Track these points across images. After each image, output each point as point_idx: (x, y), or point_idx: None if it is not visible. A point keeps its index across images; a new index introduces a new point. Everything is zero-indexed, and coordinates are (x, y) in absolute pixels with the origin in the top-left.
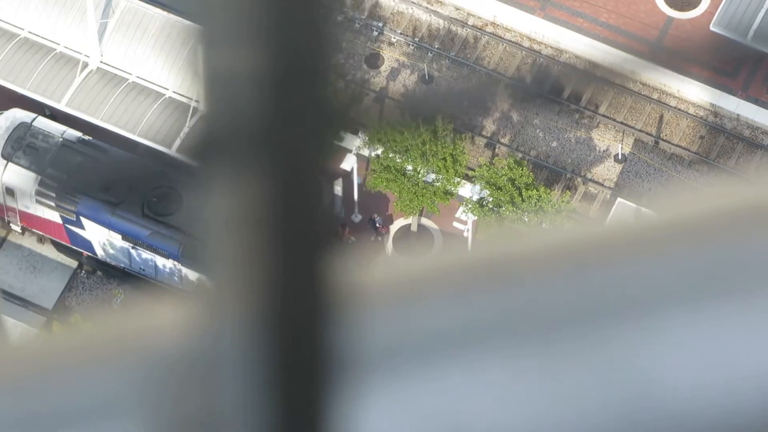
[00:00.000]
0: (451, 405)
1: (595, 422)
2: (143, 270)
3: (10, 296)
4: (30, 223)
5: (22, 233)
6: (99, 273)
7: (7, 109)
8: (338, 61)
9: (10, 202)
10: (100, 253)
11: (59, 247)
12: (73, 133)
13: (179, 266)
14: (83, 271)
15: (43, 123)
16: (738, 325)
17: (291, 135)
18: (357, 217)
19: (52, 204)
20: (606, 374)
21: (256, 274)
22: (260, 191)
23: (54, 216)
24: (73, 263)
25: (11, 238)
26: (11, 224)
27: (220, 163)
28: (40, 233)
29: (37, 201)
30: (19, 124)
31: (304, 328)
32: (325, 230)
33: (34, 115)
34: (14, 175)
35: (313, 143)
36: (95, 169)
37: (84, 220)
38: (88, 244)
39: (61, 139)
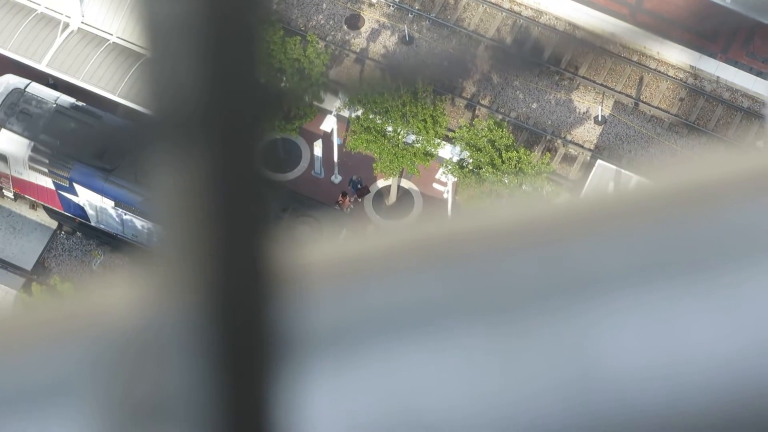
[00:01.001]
0: (399, 386)
1: (544, 403)
2: (136, 237)
3: None
4: (23, 189)
5: (15, 200)
6: (78, 234)
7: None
8: (270, 44)
9: (2, 168)
10: (93, 219)
11: (52, 213)
12: (67, 99)
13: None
14: (63, 232)
15: (37, 89)
16: (690, 307)
17: (228, 117)
18: (337, 178)
19: (45, 170)
20: (556, 354)
21: (198, 256)
22: (199, 173)
23: (47, 182)
24: (53, 224)
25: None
26: (4, 190)
27: (158, 144)
28: (33, 199)
29: (30, 167)
30: (12, 90)
31: (247, 310)
32: (266, 211)
33: (27, 81)
34: (7, 141)
35: (251, 125)
36: (89, 136)
37: (77, 187)
38: (80, 211)
39: (54, 105)
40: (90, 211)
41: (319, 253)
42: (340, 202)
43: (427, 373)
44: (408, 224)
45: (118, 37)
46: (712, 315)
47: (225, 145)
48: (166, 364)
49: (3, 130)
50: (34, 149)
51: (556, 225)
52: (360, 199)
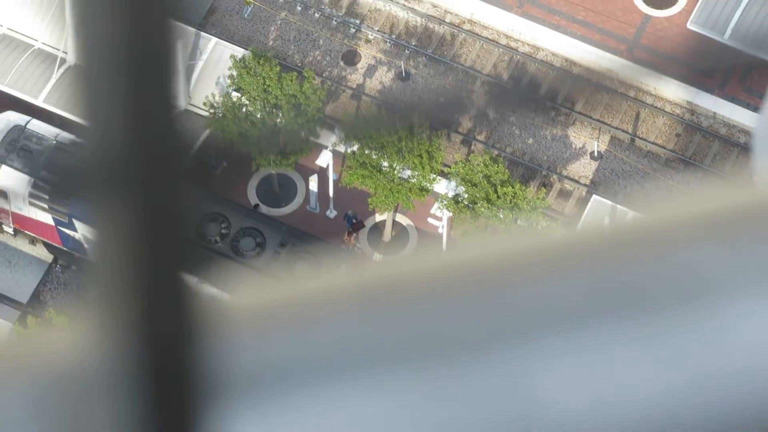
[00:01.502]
0: (328, 429)
1: None
2: None
3: None
4: (23, 225)
5: (14, 235)
6: (74, 267)
7: (1, 112)
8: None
9: (2, 204)
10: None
11: (51, 248)
12: (67, 136)
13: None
14: (58, 266)
15: (37, 126)
16: (627, 349)
17: (149, 162)
18: (332, 213)
19: (45, 206)
20: (494, 396)
21: (126, 297)
22: (122, 218)
23: (47, 218)
24: (49, 257)
25: None
26: (4, 226)
27: (87, 190)
28: (33, 235)
29: (30, 203)
30: (13, 127)
31: (173, 353)
32: (192, 255)
33: (28, 118)
34: (7, 177)
35: (174, 173)
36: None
37: (77, 222)
38: (80, 247)
39: (54, 142)
40: (88, 246)
41: (250, 296)
42: (347, 239)
43: (357, 416)
44: (347, 269)
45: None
46: (648, 357)
47: (147, 191)
48: (97, 405)
49: (3, 166)
50: (34, 185)
51: (496, 269)
52: (356, 234)
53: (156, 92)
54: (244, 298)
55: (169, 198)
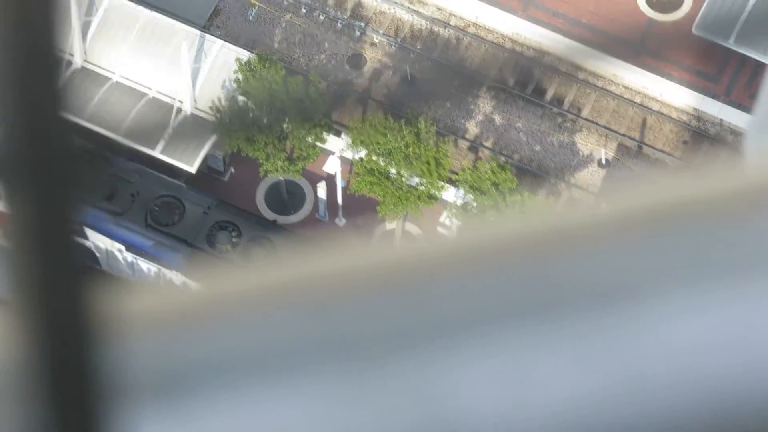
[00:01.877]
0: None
1: None
2: (147, 281)
3: None
4: None
5: None
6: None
7: None
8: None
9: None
10: (102, 263)
11: None
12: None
13: (183, 277)
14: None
15: None
16: (546, 351)
17: (35, 162)
18: (341, 221)
19: None
20: (409, 399)
21: (22, 303)
22: (16, 218)
23: None
24: None
25: None
26: None
27: None
28: None
29: None
30: None
31: (72, 358)
32: (81, 257)
33: None
34: None
35: (60, 170)
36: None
37: (87, 231)
38: (90, 254)
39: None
40: (99, 255)
41: (157, 297)
42: None
43: (269, 419)
44: (276, 264)
45: (122, 76)
46: (567, 359)
47: (35, 192)
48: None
49: None
50: None
51: (411, 268)
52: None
53: (40, 75)
54: (150, 296)
55: (56, 189)
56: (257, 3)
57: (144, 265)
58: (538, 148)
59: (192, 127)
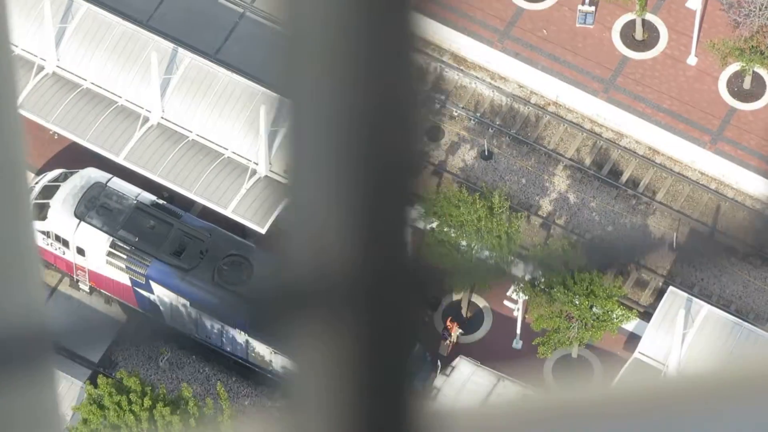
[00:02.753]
0: None
1: None
2: (209, 338)
3: (57, 348)
4: (99, 283)
5: (90, 293)
6: (148, 329)
7: (82, 168)
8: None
9: (80, 261)
10: (166, 317)
11: (125, 308)
12: (148, 196)
13: (246, 337)
14: (132, 327)
15: (118, 184)
16: None
17: (381, 290)
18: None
19: (123, 266)
20: None
21: (344, 424)
22: (347, 342)
23: (123, 278)
24: (122, 317)
25: (62, 288)
26: (80, 283)
27: (307, 310)
28: (108, 294)
29: (108, 262)
30: (93, 184)
31: None
32: (411, 386)
33: (109, 175)
34: (86, 234)
35: (404, 298)
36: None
37: (153, 284)
38: (155, 308)
39: (135, 202)
40: (164, 309)
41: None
42: (448, 327)
43: None
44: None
45: (198, 135)
46: None
47: (374, 317)
48: None
49: (82, 223)
50: (112, 244)
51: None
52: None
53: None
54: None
55: (395, 320)
56: None
57: (208, 322)
58: (610, 228)
59: (265, 189)
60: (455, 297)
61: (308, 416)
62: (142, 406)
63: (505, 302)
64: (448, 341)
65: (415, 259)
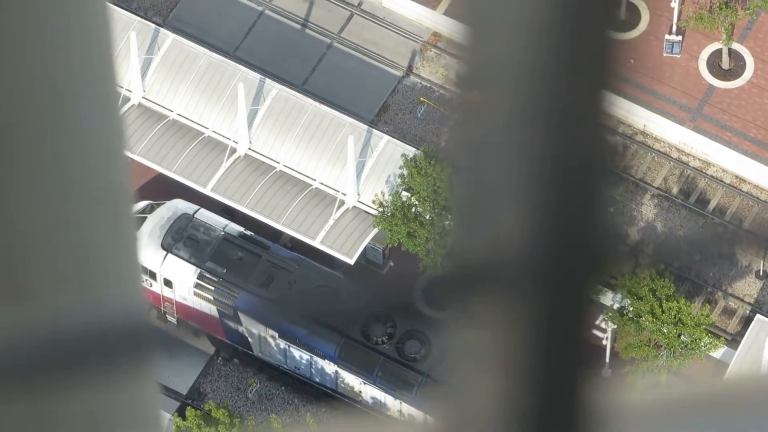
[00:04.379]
0: None
1: None
2: (298, 369)
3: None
4: (186, 315)
5: (178, 325)
6: (236, 361)
7: (169, 199)
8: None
9: (167, 293)
10: (255, 349)
11: (214, 341)
12: (235, 228)
13: (336, 367)
14: (220, 358)
15: (205, 215)
16: None
17: (559, 272)
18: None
19: (210, 297)
20: None
21: (511, 411)
22: (521, 327)
23: (211, 309)
24: (211, 349)
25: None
26: (167, 315)
27: (479, 293)
28: (196, 326)
29: (195, 294)
30: (180, 216)
31: None
32: (586, 371)
33: (196, 207)
34: (173, 266)
35: (583, 283)
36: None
37: (241, 315)
38: (244, 340)
39: (222, 233)
40: (252, 341)
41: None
42: None
43: None
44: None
45: (285, 166)
46: None
47: (553, 299)
48: None
49: (170, 255)
50: (200, 276)
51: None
52: None
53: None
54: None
55: (574, 302)
56: (426, 101)
57: (296, 353)
58: (697, 256)
59: (353, 220)
60: None
61: (469, 409)
62: None
63: (594, 331)
64: None
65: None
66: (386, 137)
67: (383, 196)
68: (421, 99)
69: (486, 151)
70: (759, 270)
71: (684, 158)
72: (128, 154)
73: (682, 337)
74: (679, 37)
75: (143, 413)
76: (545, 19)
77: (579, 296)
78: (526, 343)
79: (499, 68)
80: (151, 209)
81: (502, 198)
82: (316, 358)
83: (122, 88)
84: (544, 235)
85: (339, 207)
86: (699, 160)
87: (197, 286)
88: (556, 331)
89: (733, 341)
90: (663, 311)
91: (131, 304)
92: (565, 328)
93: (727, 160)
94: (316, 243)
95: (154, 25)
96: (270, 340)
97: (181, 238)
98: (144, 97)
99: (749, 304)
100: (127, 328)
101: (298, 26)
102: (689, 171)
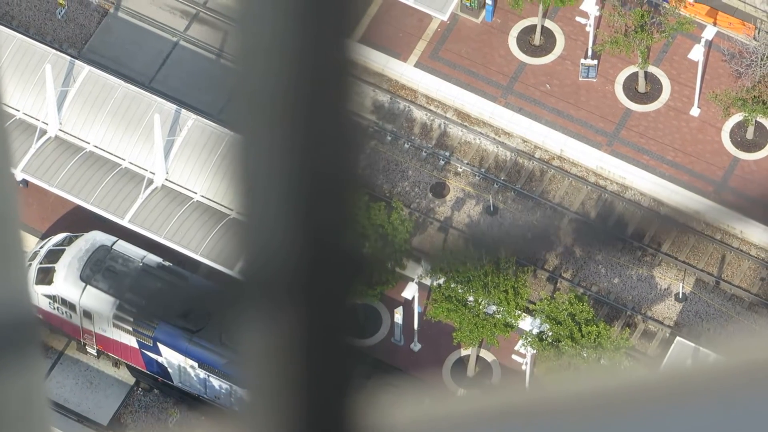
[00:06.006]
0: None
1: None
2: (218, 398)
3: (65, 410)
4: (106, 346)
5: (98, 357)
6: (156, 391)
7: (87, 231)
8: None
9: (87, 325)
10: (175, 379)
11: (133, 370)
12: (153, 259)
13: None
14: (140, 389)
15: (124, 247)
16: None
17: (320, 277)
18: (416, 346)
19: (130, 329)
20: None
21: (285, 408)
22: (290, 328)
23: (131, 340)
24: (130, 380)
25: (69, 352)
26: (87, 347)
27: (254, 300)
28: (116, 357)
29: (115, 325)
30: (98, 247)
31: None
32: (352, 367)
33: (114, 238)
34: (92, 298)
35: (342, 286)
36: (175, 296)
37: (161, 346)
38: (164, 370)
39: (140, 264)
40: (172, 371)
41: (403, 416)
42: None
43: None
44: (487, 390)
45: (203, 196)
46: None
47: (311, 309)
48: None
49: (88, 287)
50: (119, 307)
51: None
52: None
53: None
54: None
55: (334, 323)
56: None
57: (216, 382)
58: (616, 280)
59: None
60: (464, 352)
61: (258, 410)
62: None
63: (514, 356)
64: None
65: (351, 248)
66: None
67: None
68: None
69: (252, 171)
70: (678, 293)
71: (601, 182)
72: (13, 169)
73: (602, 361)
74: (595, 61)
75: (30, 407)
76: (288, 45)
77: (337, 302)
78: (292, 347)
79: (255, 89)
80: (69, 241)
81: (267, 215)
82: (236, 387)
83: (38, 120)
84: (301, 247)
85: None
86: (616, 183)
87: (116, 317)
88: (318, 335)
89: (654, 364)
90: (582, 335)
91: (17, 303)
92: (326, 331)
93: (644, 184)
94: (235, 273)
95: (69, 57)
96: (190, 370)
97: (100, 270)
98: (61, 129)
99: (669, 326)
100: (12, 326)
101: (213, 56)
102: (607, 195)
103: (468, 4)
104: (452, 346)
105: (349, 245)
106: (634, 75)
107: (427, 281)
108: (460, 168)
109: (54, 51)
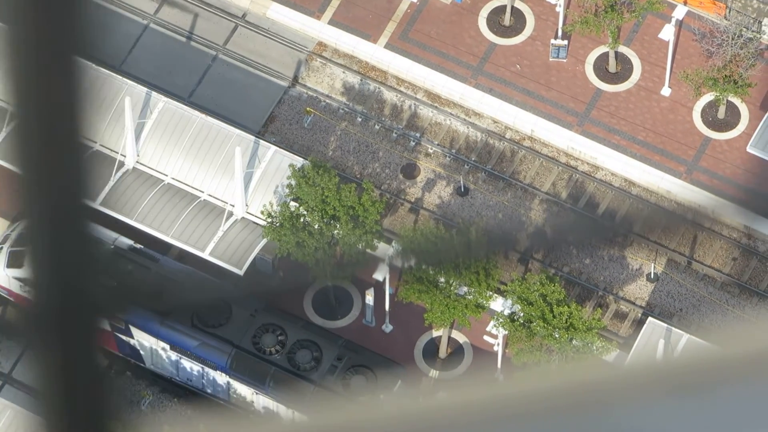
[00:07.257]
0: None
1: None
2: (190, 380)
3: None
4: None
5: None
6: (128, 373)
7: None
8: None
9: None
10: (147, 361)
11: (105, 354)
12: (125, 241)
13: (227, 378)
14: (112, 371)
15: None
16: None
17: (62, 313)
18: (388, 327)
19: None
20: None
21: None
22: (45, 363)
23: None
24: (102, 362)
25: None
26: None
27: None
28: None
29: None
30: None
31: None
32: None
33: None
34: None
35: (83, 322)
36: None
37: (133, 329)
38: (136, 353)
39: (111, 247)
40: (144, 354)
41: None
42: None
43: None
44: (398, 396)
45: (173, 178)
46: None
47: (61, 338)
48: None
49: None
50: None
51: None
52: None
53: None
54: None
55: (83, 349)
56: (313, 111)
57: (188, 364)
58: (588, 261)
59: (242, 231)
60: (435, 333)
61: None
62: None
63: (485, 337)
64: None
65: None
66: (273, 148)
67: (271, 206)
68: (308, 109)
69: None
70: (650, 273)
71: (572, 163)
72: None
73: (574, 342)
74: (565, 42)
75: None
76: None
77: (81, 332)
78: (52, 375)
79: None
80: None
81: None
82: (207, 369)
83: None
84: (48, 285)
85: (228, 218)
86: (588, 164)
87: None
88: (69, 365)
89: (626, 344)
90: (554, 316)
91: None
92: (74, 362)
93: (615, 164)
94: (205, 255)
95: (145, 89)
96: (161, 352)
97: None
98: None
99: (641, 307)
100: None
101: (183, 39)
102: (578, 175)
103: None
104: (424, 327)
105: (91, 291)
106: (605, 55)
107: (398, 262)
108: (431, 149)
109: (130, 82)
